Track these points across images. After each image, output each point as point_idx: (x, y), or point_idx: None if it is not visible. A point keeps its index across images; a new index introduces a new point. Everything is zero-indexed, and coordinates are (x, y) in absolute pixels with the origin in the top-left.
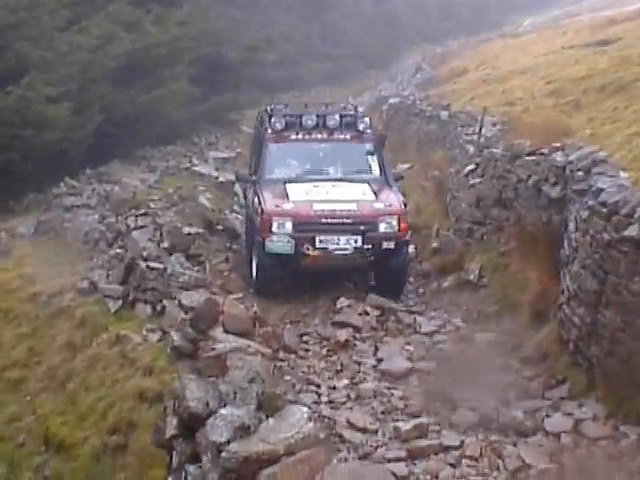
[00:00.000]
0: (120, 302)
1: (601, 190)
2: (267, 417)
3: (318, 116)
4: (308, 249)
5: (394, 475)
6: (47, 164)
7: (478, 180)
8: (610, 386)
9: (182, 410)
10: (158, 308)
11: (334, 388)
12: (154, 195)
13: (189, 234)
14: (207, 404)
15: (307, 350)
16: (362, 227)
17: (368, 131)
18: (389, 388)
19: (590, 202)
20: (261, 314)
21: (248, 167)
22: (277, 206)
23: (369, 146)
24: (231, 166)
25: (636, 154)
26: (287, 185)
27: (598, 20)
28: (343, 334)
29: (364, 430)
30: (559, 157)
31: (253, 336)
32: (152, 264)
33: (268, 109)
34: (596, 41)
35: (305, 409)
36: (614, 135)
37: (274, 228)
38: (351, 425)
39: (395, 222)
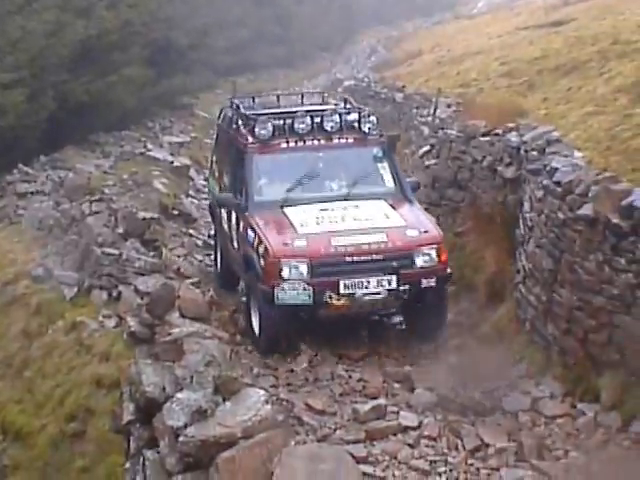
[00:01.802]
0: (76, 289)
1: (555, 169)
2: (224, 400)
3: (312, 117)
4: (331, 297)
5: (352, 456)
6: (0, 151)
7: (433, 161)
8: (567, 364)
9: (139, 395)
10: (114, 294)
11: (292, 371)
12: (109, 181)
13: (144, 219)
14: (163, 389)
15: None
16: (396, 263)
17: (375, 132)
18: (347, 370)
19: (545, 182)
20: (218, 298)
21: (212, 175)
22: (285, 244)
23: (377, 150)
24: (186, 150)
25: (590, 133)
26: (286, 210)
27: (552, 1)
28: None
29: (322, 412)
30: (513, 137)
31: (210, 320)
32: (107, 250)
33: (234, 104)
34: (550, 22)
35: (262, 392)
36: (568, 115)
37: (285, 273)
38: (309, 408)
39: (435, 253)
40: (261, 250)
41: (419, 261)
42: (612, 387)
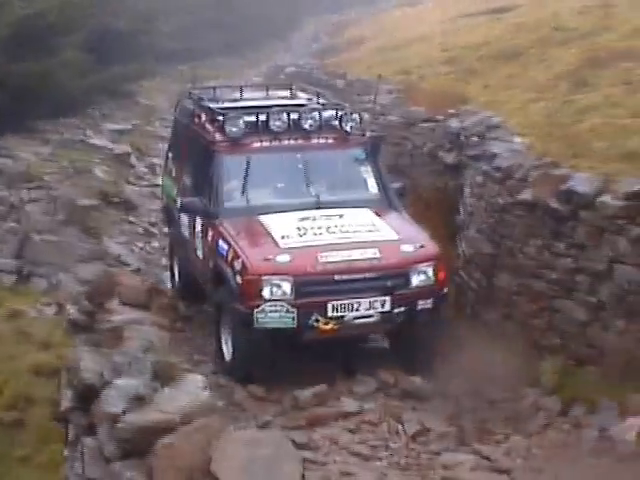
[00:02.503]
0: (15, 276)
1: (495, 155)
2: (162, 387)
3: (289, 113)
4: (317, 321)
5: (293, 442)
6: None
7: None
8: (508, 349)
9: (77, 382)
10: (54, 282)
11: None
12: (48, 168)
13: (84, 207)
14: (102, 375)
15: (208, 320)
16: (390, 283)
17: (357, 132)
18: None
19: (485, 167)
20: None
21: (167, 174)
22: (267, 259)
23: (360, 152)
24: (127, 137)
25: (531, 120)
26: (263, 219)
27: None
28: None
29: (263, 399)
30: (454, 123)
31: (150, 308)
32: (47, 237)
33: (196, 95)
34: (492, 9)
35: (201, 377)
36: (509, 101)
37: (265, 293)
38: (250, 394)
39: (432, 271)
40: (237, 266)
41: (415, 280)
42: (552, 371)
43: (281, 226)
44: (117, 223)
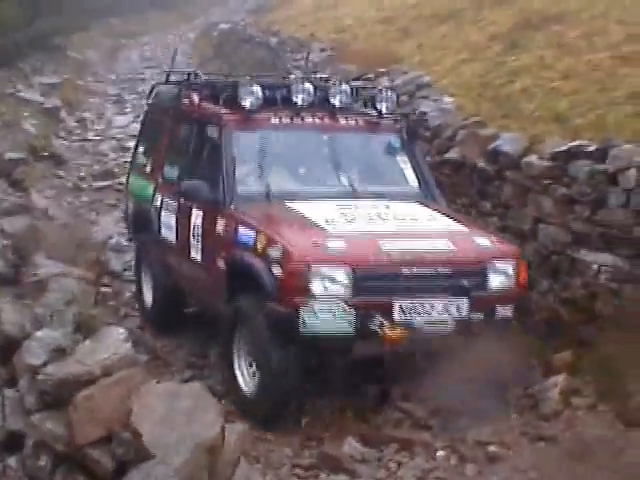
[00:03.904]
0: None
1: (424, 114)
2: (84, 339)
3: (316, 87)
4: (382, 325)
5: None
6: None
7: None
8: None
9: None
10: None
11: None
12: None
13: (11, 160)
14: (23, 327)
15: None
16: (466, 282)
17: (392, 114)
18: None
19: None
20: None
21: (137, 171)
22: (315, 244)
23: (396, 139)
24: (57, 91)
25: (463, 80)
26: (293, 205)
27: None
28: None
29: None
30: (385, 82)
31: (76, 262)
32: None
33: (184, 76)
34: None
35: (122, 330)
36: (442, 62)
37: (316, 287)
38: (176, 347)
39: (512, 271)
40: (274, 253)
41: (494, 280)
42: None
43: (320, 211)
44: (46, 177)
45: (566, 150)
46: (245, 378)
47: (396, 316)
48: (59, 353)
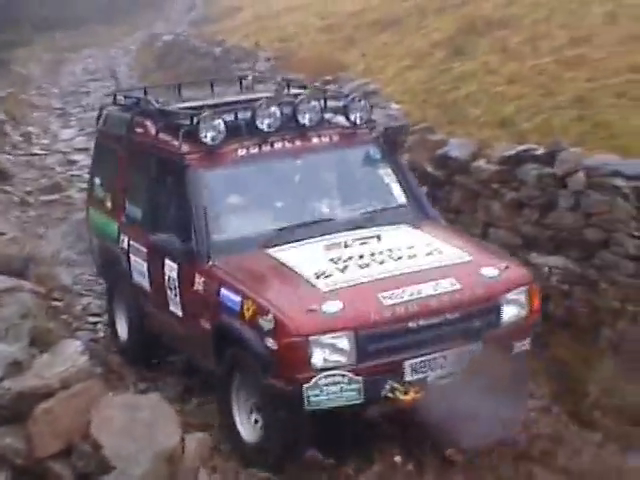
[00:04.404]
0: None
1: (373, 121)
2: (40, 352)
3: (282, 107)
4: (393, 390)
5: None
6: None
7: None
8: None
9: None
10: None
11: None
12: None
13: None
14: None
15: (87, 289)
16: (478, 323)
17: (366, 124)
18: None
19: None
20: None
21: (97, 205)
22: (310, 310)
23: (375, 150)
24: (1, 106)
25: (408, 87)
26: (276, 254)
27: None
28: None
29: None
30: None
31: (27, 276)
32: None
33: (127, 101)
34: None
35: (79, 343)
36: (386, 69)
37: (317, 359)
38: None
39: (525, 298)
40: (265, 324)
41: (508, 314)
42: None
43: (307, 261)
44: None
45: (514, 154)
46: (246, 427)
47: (408, 377)
48: (16, 367)
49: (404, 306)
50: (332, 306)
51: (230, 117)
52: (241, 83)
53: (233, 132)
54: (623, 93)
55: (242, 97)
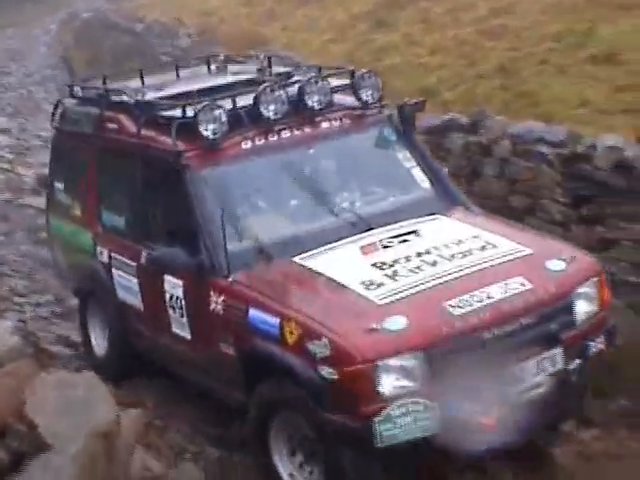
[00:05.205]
0: None
1: None
2: None
3: (286, 90)
4: (472, 413)
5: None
6: None
7: None
8: None
9: None
10: None
11: (39, 305)
12: None
13: None
14: None
15: (13, 270)
16: (554, 325)
17: (378, 102)
18: None
19: None
20: None
21: (60, 212)
22: (371, 329)
23: (390, 132)
24: None
25: (331, 59)
26: (307, 262)
27: None
28: (45, 251)
29: (74, 345)
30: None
31: None
32: None
33: (92, 93)
34: None
35: (9, 323)
36: (309, 43)
37: (385, 388)
38: (60, 339)
39: (596, 291)
40: (318, 350)
41: (580, 311)
42: None
43: (346, 268)
44: None
45: (440, 124)
46: (296, 478)
47: (486, 395)
48: None
49: (476, 315)
50: (396, 322)
51: (228, 105)
52: (209, 64)
53: (234, 123)
54: (545, 61)
55: (223, 81)
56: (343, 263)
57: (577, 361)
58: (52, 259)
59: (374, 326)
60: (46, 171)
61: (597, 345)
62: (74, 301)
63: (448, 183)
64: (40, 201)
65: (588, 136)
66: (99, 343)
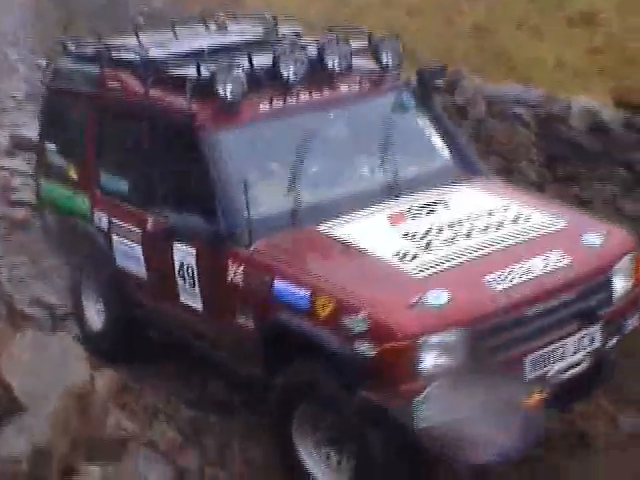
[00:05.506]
0: None
1: None
2: None
3: (305, 51)
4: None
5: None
6: None
7: None
8: None
9: None
10: None
11: (14, 266)
12: None
13: None
14: None
15: None
16: (593, 302)
17: (397, 68)
18: None
19: None
20: None
21: (51, 176)
22: (411, 304)
23: (409, 97)
24: None
25: (307, 21)
26: (334, 231)
27: None
28: (21, 213)
29: (50, 307)
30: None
31: None
32: None
33: (90, 50)
34: None
35: None
36: (287, 3)
37: (426, 366)
38: (37, 302)
39: (632, 267)
40: (356, 325)
41: (617, 287)
42: None
43: (376, 238)
44: None
45: None
46: (323, 471)
47: (529, 374)
48: None
49: (518, 290)
50: (438, 297)
51: (246, 65)
52: (205, 23)
53: (250, 83)
54: (523, 22)
55: (228, 41)
56: (372, 233)
57: (614, 339)
58: (41, 224)
59: (415, 300)
60: (20, 133)
61: (633, 323)
62: (50, 262)
63: (469, 152)
64: (15, 163)
65: (563, 97)
66: (94, 317)
